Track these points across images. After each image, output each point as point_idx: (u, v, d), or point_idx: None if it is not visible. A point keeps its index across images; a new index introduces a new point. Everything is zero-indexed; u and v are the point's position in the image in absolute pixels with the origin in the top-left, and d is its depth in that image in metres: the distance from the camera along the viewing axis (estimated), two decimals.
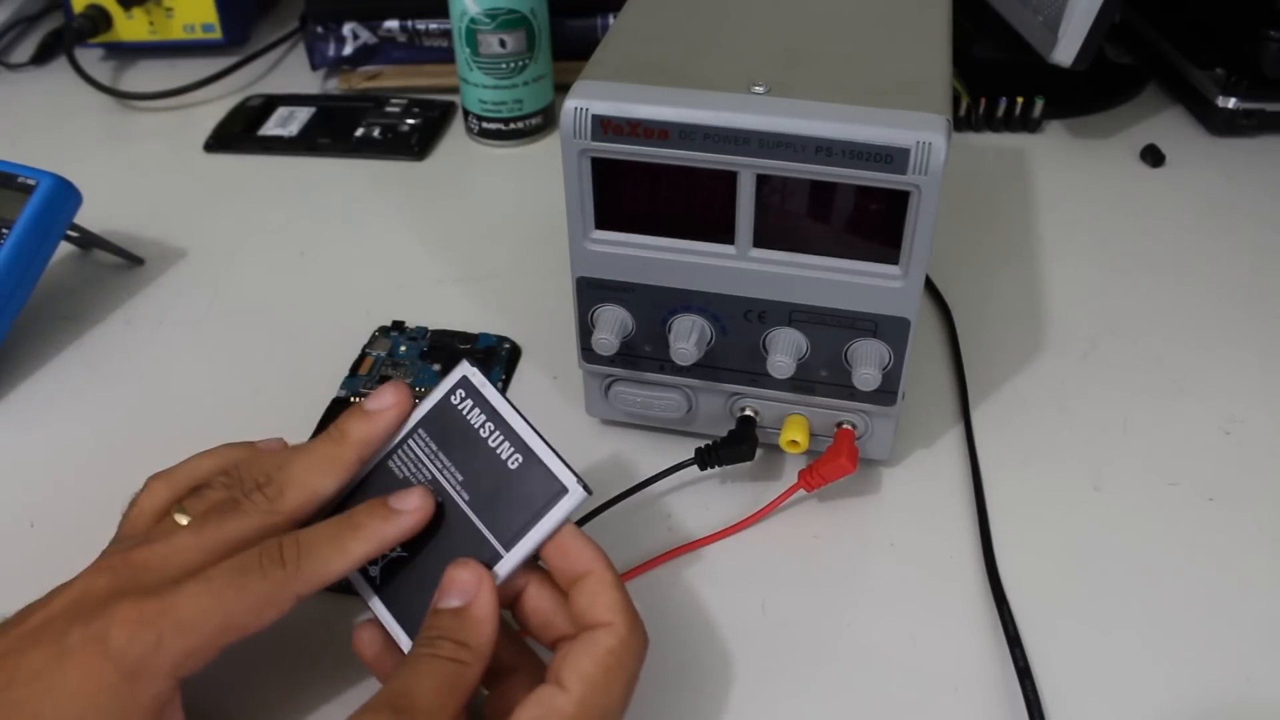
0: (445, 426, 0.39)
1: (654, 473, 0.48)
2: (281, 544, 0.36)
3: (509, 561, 0.37)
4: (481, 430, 0.39)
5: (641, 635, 0.36)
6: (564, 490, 0.37)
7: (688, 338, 0.45)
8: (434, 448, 0.39)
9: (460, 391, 0.39)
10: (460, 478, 0.39)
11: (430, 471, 0.39)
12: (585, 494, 0.37)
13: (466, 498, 0.38)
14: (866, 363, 0.44)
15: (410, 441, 0.40)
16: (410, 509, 0.38)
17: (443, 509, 0.39)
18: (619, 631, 0.35)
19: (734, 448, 0.48)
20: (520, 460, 0.38)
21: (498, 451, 0.38)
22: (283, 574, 0.36)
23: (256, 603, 0.35)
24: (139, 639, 0.33)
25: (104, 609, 0.34)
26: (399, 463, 0.40)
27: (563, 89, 0.76)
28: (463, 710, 0.35)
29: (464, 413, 0.39)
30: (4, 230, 0.56)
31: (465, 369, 0.40)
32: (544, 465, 0.38)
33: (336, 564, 0.37)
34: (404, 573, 0.39)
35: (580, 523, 0.46)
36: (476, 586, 0.36)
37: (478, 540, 0.38)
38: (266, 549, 0.36)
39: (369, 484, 0.40)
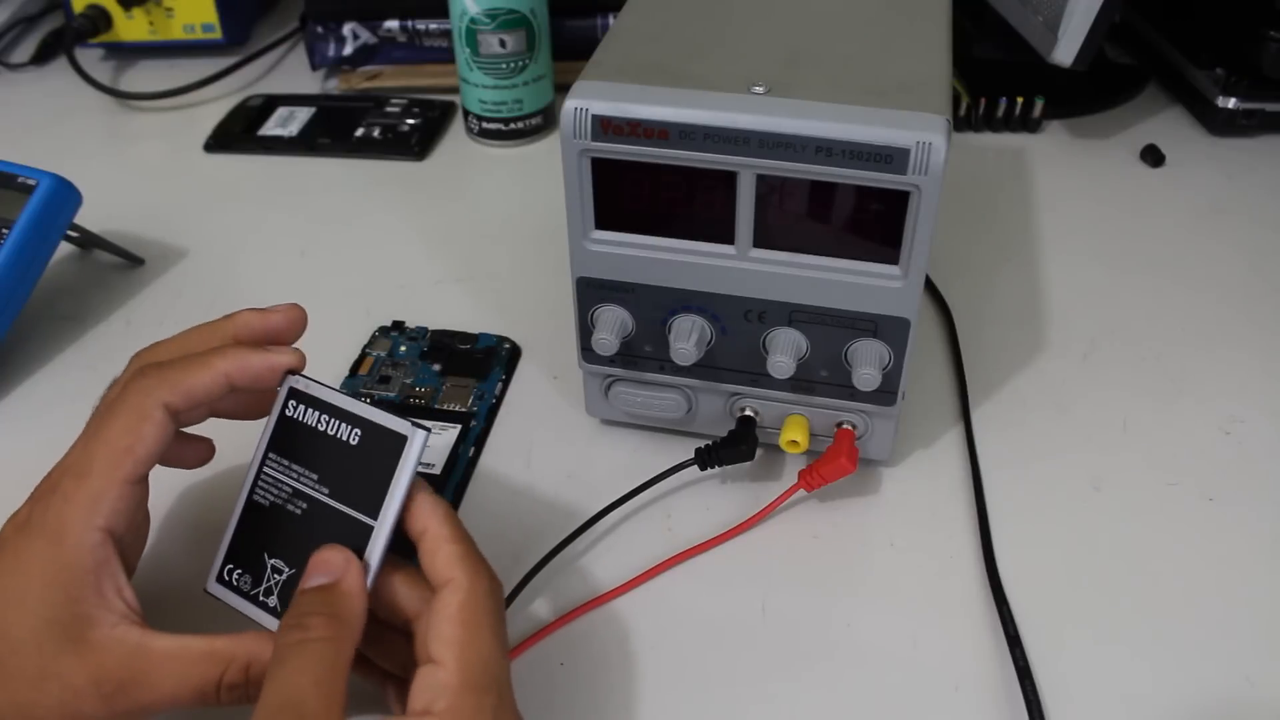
0: (290, 439, 0.40)
1: (654, 473, 0.48)
2: (144, 366, 0.39)
3: (382, 528, 0.37)
4: (320, 425, 0.39)
5: (486, 578, 0.36)
6: (403, 439, 0.38)
7: (688, 338, 0.45)
8: (285, 463, 0.40)
9: (292, 402, 0.40)
10: (315, 476, 0.39)
11: (290, 486, 0.39)
12: (425, 433, 0.38)
13: (327, 491, 0.39)
14: (866, 363, 0.44)
15: (265, 470, 0.40)
16: (282, 350, 0.40)
17: (313, 516, 0.39)
18: (461, 584, 0.35)
19: (734, 448, 0.48)
20: (359, 433, 0.39)
21: (339, 436, 0.39)
22: (146, 383, 0.38)
23: (128, 420, 0.37)
24: (50, 504, 0.37)
25: (26, 500, 0.38)
26: (262, 493, 0.40)
27: (563, 89, 0.76)
28: (345, 688, 0.34)
29: (301, 419, 0.40)
30: (4, 230, 0.56)
31: (290, 380, 0.40)
32: (378, 426, 0.38)
33: (199, 375, 0.38)
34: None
35: (584, 524, 0.47)
36: (344, 564, 0.36)
37: (348, 524, 0.38)
38: (131, 375, 0.39)
39: (244, 524, 0.40)
